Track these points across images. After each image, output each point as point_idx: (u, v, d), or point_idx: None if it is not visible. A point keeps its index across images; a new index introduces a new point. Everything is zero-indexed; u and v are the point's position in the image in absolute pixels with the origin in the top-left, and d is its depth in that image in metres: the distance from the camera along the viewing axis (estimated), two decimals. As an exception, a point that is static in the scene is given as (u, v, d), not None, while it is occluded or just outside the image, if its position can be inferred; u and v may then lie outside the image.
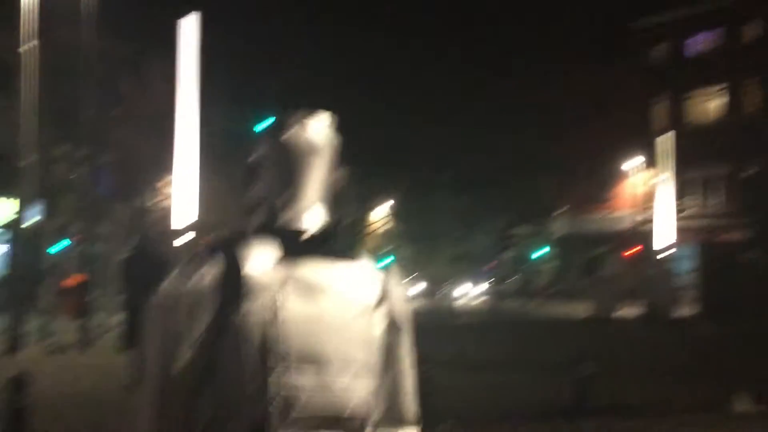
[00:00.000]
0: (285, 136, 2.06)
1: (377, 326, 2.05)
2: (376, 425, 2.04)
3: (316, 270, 1.99)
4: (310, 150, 2.06)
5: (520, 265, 56.55)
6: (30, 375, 7.58)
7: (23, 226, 17.37)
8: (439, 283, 58.03)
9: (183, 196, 13.26)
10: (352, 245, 2.09)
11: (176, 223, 13.34)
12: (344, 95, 39.91)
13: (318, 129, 2.09)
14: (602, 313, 30.52)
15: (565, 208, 50.52)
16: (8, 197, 29.73)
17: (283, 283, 1.94)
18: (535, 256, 55.78)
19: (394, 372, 2.11)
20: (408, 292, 2.36)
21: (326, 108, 2.21)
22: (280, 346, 1.89)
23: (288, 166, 2.06)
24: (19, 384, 7.40)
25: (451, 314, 35.09)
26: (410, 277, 58.52)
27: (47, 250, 37.07)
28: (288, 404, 1.88)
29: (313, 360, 1.92)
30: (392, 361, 2.10)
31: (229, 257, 1.93)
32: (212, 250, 1.96)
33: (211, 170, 24.13)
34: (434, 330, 25.56)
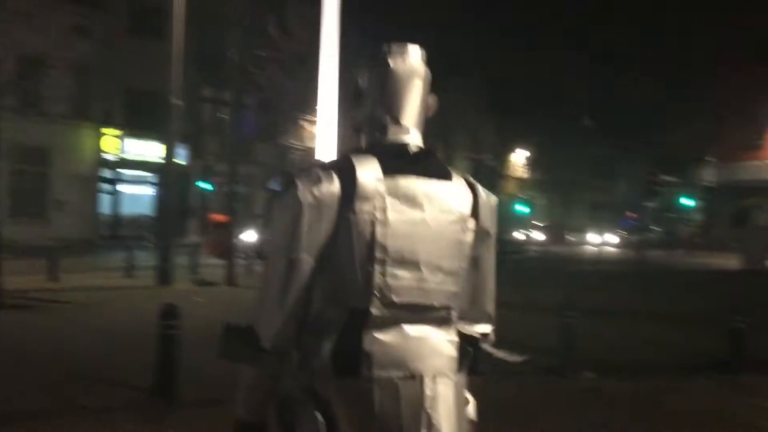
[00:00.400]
0: (387, 64, 2.39)
1: (468, 234, 2.41)
2: (459, 318, 2.41)
3: (416, 183, 2.32)
4: (408, 76, 2.40)
5: (664, 215, 54.69)
6: (178, 306, 7.70)
7: (170, 167, 17.80)
8: (578, 231, 56.87)
9: (325, 135, 13.21)
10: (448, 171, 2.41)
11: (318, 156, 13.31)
12: (488, 41, 39.02)
13: (415, 59, 2.42)
14: (753, 265, 29.09)
15: (714, 156, 48.33)
16: (155, 139, 30.71)
17: (388, 192, 2.28)
18: (681, 205, 53.80)
19: (479, 275, 2.49)
20: (495, 206, 2.53)
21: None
22: (383, 244, 2.26)
23: (390, 90, 2.39)
24: (169, 313, 7.55)
25: (594, 262, 34.28)
26: (547, 224, 57.59)
27: (197, 187, 38.38)
28: (386, 292, 2.26)
29: (410, 259, 2.28)
30: (479, 265, 2.48)
31: (342, 170, 2.27)
32: (327, 165, 2.31)
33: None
34: (577, 276, 25.11)
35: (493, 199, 2.51)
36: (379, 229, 2.27)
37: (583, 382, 8.84)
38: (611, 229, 58.53)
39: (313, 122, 43.50)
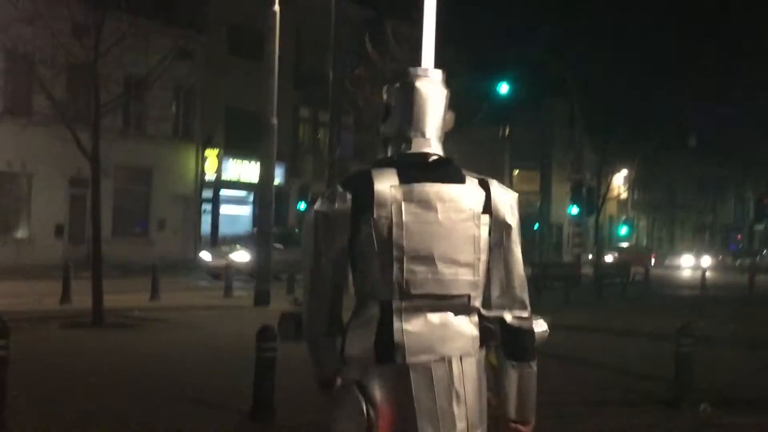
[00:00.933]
0: (413, 85, 2.77)
1: (482, 229, 2.69)
2: (493, 306, 2.73)
3: (430, 188, 2.67)
4: (430, 96, 2.78)
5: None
6: (275, 328, 7.50)
7: (267, 186, 17.81)
8: (681, 253, 55.10)
9: None
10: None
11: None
12: (590, 61, 38.36)
13: (436, 81, 2.80)
14: None
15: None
16: (255, 159, 30.97)
17: (404, 198, 2.63)
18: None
19: (505, 264, 2.74)
20: (514, 202, 2.85)
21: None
22: (399, 243, 2.62)
23: (415, 108, 2.77)
24: (267, 335, 7.36)
25: (695, 286, 33.02)
26: (650, 248, 55.99)
27: (295, 207, 38.64)
28: (407, 286, 2.61)
29: (425, 255, 2.62)
30: (502, 256, 2.74)
31: (360, 184, 2.65)
32: (346, 183, 2.70)
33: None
34: (682, 301, 24.13)
35: (511, 194, 2.82)
36: (395, 231, 2.64)
37: (701, 415, 8.27)
38: (711, 251, 56.47)
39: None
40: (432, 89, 2.81)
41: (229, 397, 8.09)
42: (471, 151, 46.49)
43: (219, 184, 35.91)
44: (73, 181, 31.26)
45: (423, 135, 2.78)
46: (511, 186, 37.53)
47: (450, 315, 2.69)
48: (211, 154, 35.34)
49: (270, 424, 7.20)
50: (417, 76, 2.82)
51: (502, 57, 41.29)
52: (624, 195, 57.22)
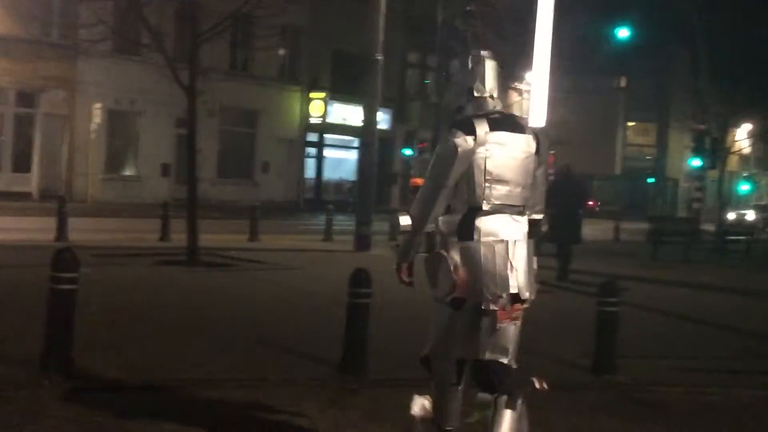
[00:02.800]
0: (484, 61, 4.32)
1: (533, 163, 4.32)
2: (528, 210, 4.33)
3: (506, 135, 4.22)
4: (494, 68, 4.32)
5: None
6: (370, 272, 6.80)
7: (371, 126, 17.08)
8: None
9: (538, 100, 12.21)
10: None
11: (534, 121, 12.31)
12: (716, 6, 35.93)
13: (495, 58, 4.35)
14: None
15: None
16: (360, 103, 30.33)
17: (491, 141, 4.17)
18: None
19: (536, 186, 4.38)
20: (547, 147, 4.65)
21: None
22: (489, 170, 4.16)
23: (487, 78, 4.30)
24: (360, 279, 6.68)
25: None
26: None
27: (400, 153, 37.94)
28: (490, 197, 4.16)
29: (503, 179, 4.19)
30: (535, 181, 4.37)
31: (468, 129, 4.15)
32: (462, 124, 4.19)
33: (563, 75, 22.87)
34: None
35: (547, 144, 4.53)
36: (487, 163, 4.15)
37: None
38: None
39: (519, 90, 42.05)
40: (495, 63, 4.32)
41: (318, 345, 7.47)
42: (582, 102, 44.97)
43: (324, 127, 35.46)
44: (179, 121, 31.25)
45: (494, 97, 4.30)
46: (624, 137, 36.38)
47: (511, 216, 4.20)
48: (317, 98, 34.88)
49: (360, 377, 6.54)
50: (486, 55, 4.32)
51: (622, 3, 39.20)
52: (747, 150, 54.34)
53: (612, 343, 7.23)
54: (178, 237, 17.15)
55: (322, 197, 34.68)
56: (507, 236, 4.11)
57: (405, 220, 4.19)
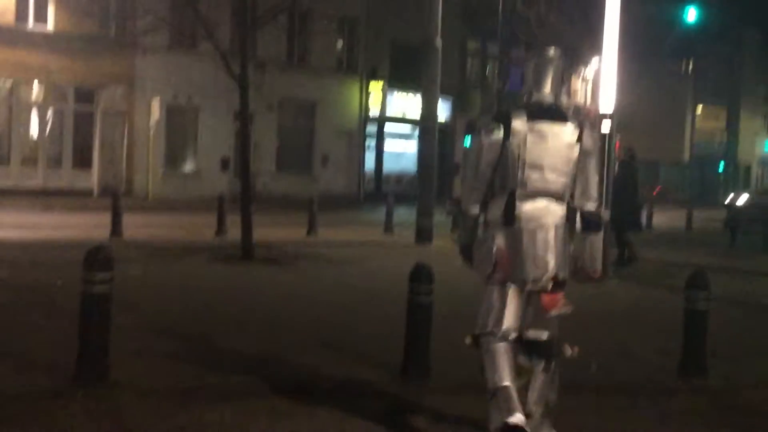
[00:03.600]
0: (536, 59, 4.73)
1: (574, 152, 4.62)
2: (577, 200, 4.67)
3: (546, 125, 4.57)
4: (547, 65, 4.66)
5: None
6: (432, 267, 6.21)
7: (431, 113, 16.45)
8: None
9: (607, 85, 11.51)
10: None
11: (602, 109, 11.58)
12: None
13: (553, 54, 4.69)
14: None
15: None
16: (418, 92, 29.69)
17: (529, 130, 4.55)
18: None
19: (585, 175, 4.67)
20: (597, 137, 5.04)
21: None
22: (524, 158, 4.56)
23: (536, 73, 4.67)
24: (421, 275, 6.09)
25: None
26: None
27: (464, 143, 37.20)
28: (526, 183, 4.55)
29: (538, 165, 4.55)
30: (585, 170, 4.66)
31: (506, 121, 4.57)
32: (497, 118, 4.65)
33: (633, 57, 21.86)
34: None
35: (596, 134, 5.34)
36: (522, 151, 4.57)
37: None
38: None
39: (583, 78, 40.86)
40: (548, 61, 4.67)
41: (378, 346, 6.91)
42: (650, 86, 43.60)
43: (383, 119, 34.88)
44: (237, 115, 30.99)
45: (540, 90, 4.63)
46: (693, 123, 35.09)
47: (549, 201, 4.57)
48: (376, 88, 34.32)
49: (422, 384, 5.96)
50: (537, 57, 4.72)
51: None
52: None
53: (702, 342, 6.52)
54: (236, 232, 16.83)
55: (383, 190, 34.13)
56: (547, 221, 4.55)
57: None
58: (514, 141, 4.53)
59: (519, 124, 4.51)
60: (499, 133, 4.54)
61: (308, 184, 32.65)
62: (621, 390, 6.23)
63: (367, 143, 35.18)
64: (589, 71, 43.45)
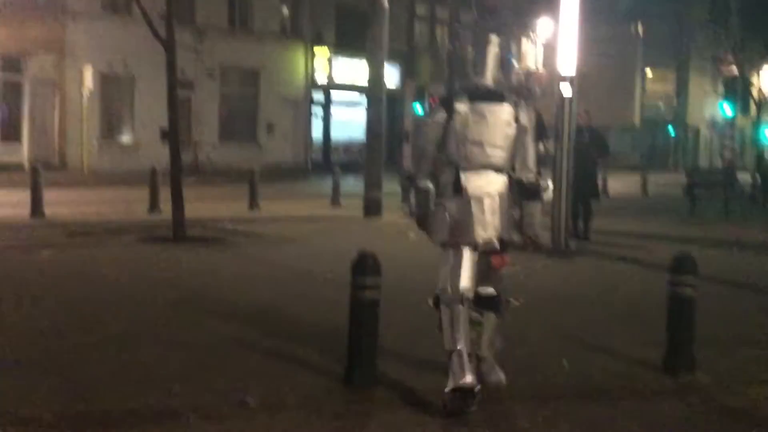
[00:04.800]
0: (470, 42, 5.26)
1: (512, 129, 5.12)
2: (511, 171, 5.18)
3: (485, 105, 5.09)
4: (485, 47, 5.13)
5: None
6: (376, 257, 5.30)
7: (381, 85, 15.44)
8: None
9: (566, 46, 10.67)
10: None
11: (562, 72, 10.70)
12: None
13: (492, 39, 5.16)
14: None
15: None
16: (364, 57, 28.59)
17: (470, 111, 5.08)
18: None
19: (523, 150, 5.17)
20: (532, 115, 5.22)
21: None
22: (465, 135, 5.07)
23: (474, 56, 5.16)
24: (363, 267, 5.16)
25: None
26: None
27: (412, 109, 36.25)
28: (469, 158, 5.08)
29: (479, 141, 5.07)
30: (522, 145, 5.17)
31: (447, 104, 5.15)
32: (440, 101, 5.27)
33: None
34: None
35: (530, 112, 5.21)
36: (464, 129, 5.09)
37: None
38: None
39: (532, 40, 40.12)
40: (486, 43, 5.16)
41: (318, 346, 5.97)
42: (599, 51, 42.96)
43: (330, 86, 33.71)
44: (177, 83, 29.63)
45: (482, 75, 5.13)
46: (643, 87, 34.81)
47: (492, 173, 5.12)
48: (322, 54, 33.12)
49: (367, 392, 5.06)
50: (477, 44, 5.20)
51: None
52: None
53: (690, 334, 5.71)
54: (170, 208, 15.75)
55: (331, 159, 33.09)
56: (490, 190, 5.06)
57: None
58: (457, 120, 5.11)
59: (461, 106, 5.10)
60: (443, 114, 5.14)
61: (253, 155, 31.39)
62: (599, 393, 5.40)
63: (313, 111, 34.03)
64: (539, 35, 42.68)
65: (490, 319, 5.24)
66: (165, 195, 14.74)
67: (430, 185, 5.12)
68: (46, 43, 25.58)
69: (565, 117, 11.20)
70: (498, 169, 5.09)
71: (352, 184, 19.23)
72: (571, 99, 11.20)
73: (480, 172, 5.06)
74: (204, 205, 16.77)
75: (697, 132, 54.87)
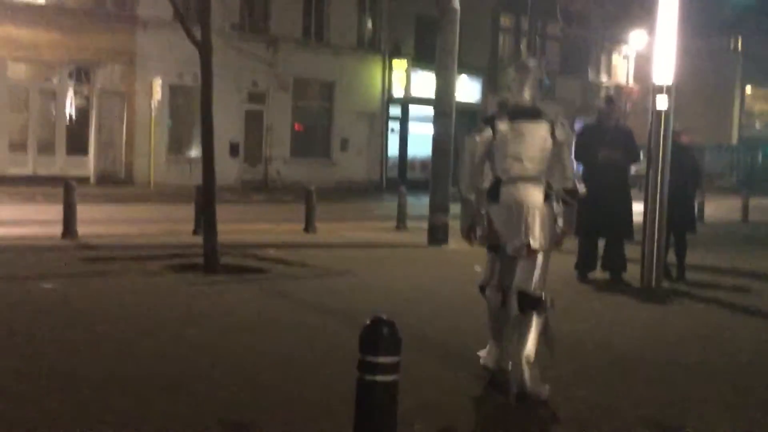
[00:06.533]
0: (514, 75, 5.87)
1: (549, 143, 5.64)
2: (548, 181, 5.67)
3: (524, 123, 5.65)
4: (525, 74, 5.78)
5: None
6: (393, 326, 3.86)
7: (450, 96, 13.97)
8: None
9: (664, 55, 9.04)
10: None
11: (658, 82, 9.01)
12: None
13: (530, 64, 5.91)
14: None
15: None
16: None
17: (510, 129, 5.64)
18: None
19: (561, 162, 5.69)
20: (568, 130, 5.74)
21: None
22: (506, 150, 5.64)
23: (516, 81, 5.79)
24: (374, 345, 3.73)
25: None
26: None
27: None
28: (508, 171, 5.63)
29: (518, 156, 5.61)
30: (560, 158, 5.68)
31: (491, 123, 5.72)
32: (485, 120, 5.81)
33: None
34: None
35: (567, 130, 5.73)
36: (505, 145, 5.63)
37: None
38: None
39: (624, 55, 38.21)
40: (526, 70, 5.81)
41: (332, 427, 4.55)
42: (696, 65, 40.71)
43: (408, 100, 32.37)
44: (250, 95, 28.77)
45: (522, 94, 5.71)
46: (742, 105, 32.44)
47: (529, 185, 5.59)
48: (400, 67, 31.83)
49: None
50: (517, 68, 5.89)
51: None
52: None
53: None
54: (225, 228, 14.57)
55: (407, 176, 31.72)
56: (523, 200, 5.58)
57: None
58: (498, 138, 5.65)
59: (502, 125, 5.65)
60: (489, 132, 5.68)
61: (326, 171, 30.38)
62: None
63: (390, 126, 32.74)
64: (631, 47, 40.63)
65: (530, 319, 5.53)
66: (225, 214, 13.56)
67: (473, 196, 5.75)
68: (115, 54, 24.95)
69: (660, 133, 9.58)
70: (535, 182, 5.62)
71: (425, 205, 17.78)
72: (668, 112, 9.58)
73: (518, 183, 5.61)
74: (259, 226, 15.60)
75: (800, 153, 51.67)
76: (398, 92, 32.00)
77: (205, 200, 9.92)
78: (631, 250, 10.23)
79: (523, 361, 5.35)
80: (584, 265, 10.35)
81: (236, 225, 15.51)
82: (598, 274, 10.34)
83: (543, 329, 5.53)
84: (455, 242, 13.44)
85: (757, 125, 49.50)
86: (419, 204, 17.27)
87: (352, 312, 7.51)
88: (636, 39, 37.84)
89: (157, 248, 11.29)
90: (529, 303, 5.48)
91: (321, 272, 10.12)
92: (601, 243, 10.38)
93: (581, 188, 5.93)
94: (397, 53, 31.81)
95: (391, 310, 4.54)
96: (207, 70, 10.04)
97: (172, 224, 14.80)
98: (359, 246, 13.04)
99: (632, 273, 10.03)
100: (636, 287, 9.84)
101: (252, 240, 12.69)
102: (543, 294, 5.51)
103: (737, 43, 49.00)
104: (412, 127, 33.03)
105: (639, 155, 10.59)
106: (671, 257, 10.78)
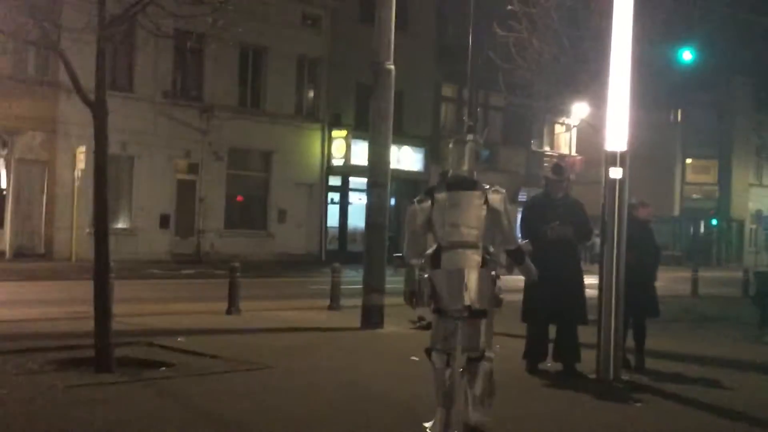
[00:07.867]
0: (453, 148, 6.54)
1: (483, 211, 6.20)
2: (486, 246, 6.22)
3: (461, 193, 6.26)
4: (462, 149, 6.41)
5: None
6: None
7: (385, 166, 12.94)
8: None
9: (616, 121, 8.10)
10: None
11: (611, 147, 8.05)
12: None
13: (468, 139, 6.54)
14: None
15: None
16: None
17: (448, 199, 6.24)
18: None
19: (498, 228, 6.27)
20: (504, 198, 6.27)
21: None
22: (443, 219, 6.21)
23: (454, 157, 6.45)
24: None
25: None
26: None
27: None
28: (447, 237, 6.17)
29: (455, 223, 6.16)
30: (496, 224, 6.24)
31: (431, 195, 6.33)
32: (426, 192, 6.41)
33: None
34: None
35: (500, 195, 6.24)
36: (442, 213, 6.14)
37: None
38: None
39: (566, 126, 37.89)
40: (462, 146, 6.39)
41: None
42: (638, 137, 40.72)
43: (348, 170, 31.38)
44: (180, 165, 27.54)
45: (459, 168, 6.34)
46: (683, 176, 31.90)
47: (467, 251, 6.08)
48: (340, 136, 30.91)
49: None
50: (455, 142, 6.48)
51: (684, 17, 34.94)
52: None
53: None
54: (141, 309, 13.21)
55: (348, 248, 30.57)
56: (462, 265, 6.04)
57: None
58: (437, 207, 6.23)
59: (440, 195, 6.25)
60: (428, 202, 6.26)
61: (263, 244, 29.16)
62: None
63: (330, 197, 31.67)
64: (572, 119, 40.45)
65: (474, 369, 6.12)
66: (145, 291, 12.22)
67: (418, 262, 6.21)
68: (36, 121, 23.61)
69: (615, 205, 8.62)
70: (473, 247, 6.11)
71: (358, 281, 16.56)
72: (622, 181, 8.65)
73: (457, 249, 6.09)
74: (178, 306, 14.27)
75: (741, 224, 51.79)
76: (338, 162, 31.04)
77: (97, 284, 8.60)
78: (587, 333, 9.16)
79: (471, 399, 6.09)
80: (534, 353, 9.24)
81: (152, 305, 14.18)
82: (549, 363, 9.24)
83: (490, 374, 6.16)
84: (391, 324, 12.26)
85: (695, 196, 49.64)
86: (358, 278, 16.06)
87: (258, 424, 6.20)
88: (578, 110, 37.63)
89: (51, 337, 9.90)
90: (476, 359, 6.11)
91: (233, 366, 8.77)
92: (553, 328, 9.31)
93: (526, 246, 6.61)
94: (336, 123, 30.95)
95: (307, 419, 3.31)
96: (101, 134, 8.92)
97: (82, 305, 13.28)
98: (285, 330, 11.72)
99: (588, 360, 8.94)
100: (592, 379, 8.75)
101: (164, 325, 11.35)
102: (487, 350, 6.12)
103: (677, 115, 49.27)
104: (353, 197, 32.00)
105: (591, 231, 9.59)
106: (629, 342, 9.74)
